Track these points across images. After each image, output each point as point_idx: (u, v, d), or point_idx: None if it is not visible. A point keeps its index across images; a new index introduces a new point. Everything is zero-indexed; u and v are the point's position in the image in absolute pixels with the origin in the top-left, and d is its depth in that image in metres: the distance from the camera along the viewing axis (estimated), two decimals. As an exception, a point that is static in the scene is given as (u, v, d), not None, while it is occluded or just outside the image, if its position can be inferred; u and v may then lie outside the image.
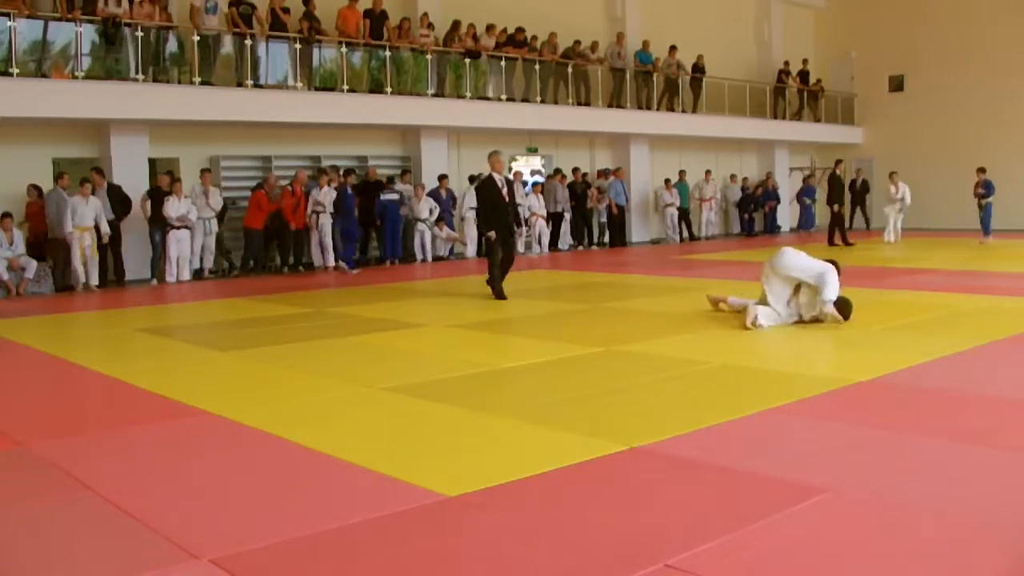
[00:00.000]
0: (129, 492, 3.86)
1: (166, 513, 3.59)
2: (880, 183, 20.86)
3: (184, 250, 13.74)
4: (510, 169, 18.28)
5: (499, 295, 10.28)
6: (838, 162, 18.85)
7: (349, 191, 15.09)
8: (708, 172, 21.88)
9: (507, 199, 10.44)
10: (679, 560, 3.00)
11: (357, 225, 15.30)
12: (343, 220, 14.84)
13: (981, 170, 18.32)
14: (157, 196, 13.55)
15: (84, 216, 12.48)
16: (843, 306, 7.72)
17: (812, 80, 24.64)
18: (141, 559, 3.15)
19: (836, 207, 17.94)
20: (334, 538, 3.29)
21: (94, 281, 12.70)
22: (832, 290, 7.65)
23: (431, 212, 16.31)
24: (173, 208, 13.37)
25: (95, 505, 3.72)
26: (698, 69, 21.50)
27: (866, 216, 21.80)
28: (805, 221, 23.36)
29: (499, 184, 10.43)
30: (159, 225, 13.48)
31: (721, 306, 8.76)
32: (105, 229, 12.72)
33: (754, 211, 22.93)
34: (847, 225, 22.85)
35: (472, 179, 17.35)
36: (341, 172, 15.35)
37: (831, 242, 17.74)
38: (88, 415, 5.45)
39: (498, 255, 10.41)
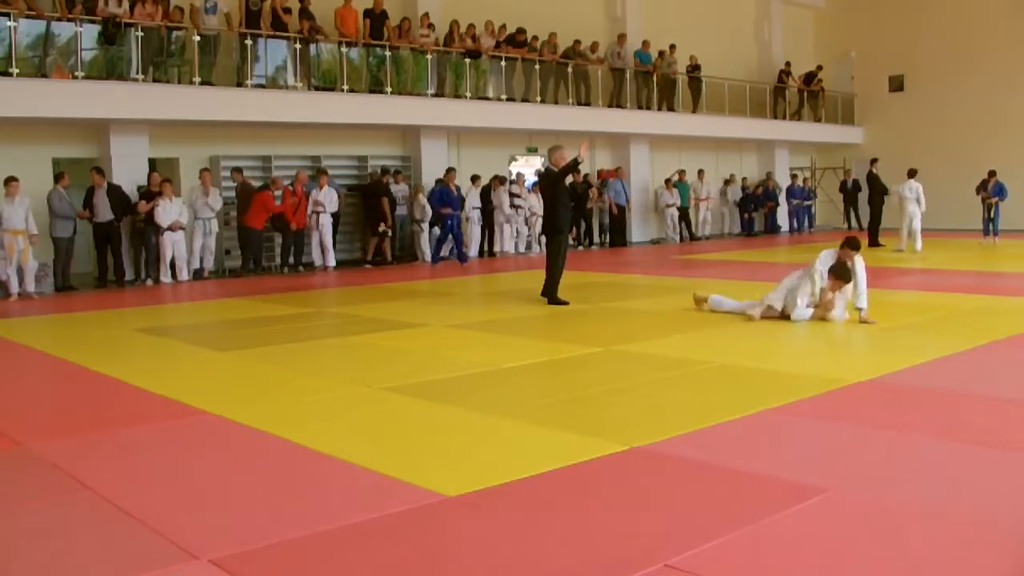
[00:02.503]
0: (129, 492, 3.86)
1: (166, 513, 3.59)
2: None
3: (181, 251, 13.73)
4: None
5: (559, 301, 9.64)
6: (874, 160, 18.22)
7: (449, 188, 15.76)
8: (701, 172, 21.85)
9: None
10: (679, 560, 3.00)
11: (456, 222, 15.95)
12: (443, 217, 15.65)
13: (992, 173, 18.26)
14: (151, 197, 13.52)
15: (12, 219, 11.75)
16: (841, 271, 7.94)
17: (813, 80, 24.64)
18: (141, 559, 3.15)
19: (876, 205, 17.40)
20: (334, 538, 3.29)
21: (30, 288, 12.02)
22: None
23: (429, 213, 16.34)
24: (164, 213, 13.33)
25: (95, 505, 3.71)
26: (693, 69, 21.47)
27: (859, 216, 21.77)
28: (797, 223, 23.34)
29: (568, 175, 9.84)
30: (155, 226, 13.45)
31: (703, 306, 8.80)
32: (32, 231, 11.91)
33: (754, 211, 22.92)
34: (848, 225, 22.95)
35: (475, 179, 17.37)
36: (445, 172, 16.22)
37: (872, 243, 17.17)
38: (88, 415, 5.45)
39: (565, 256, 9.79)
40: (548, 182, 10.04)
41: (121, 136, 13.83)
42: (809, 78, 24.44)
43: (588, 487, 3.84)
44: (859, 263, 8.08)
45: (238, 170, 14.64)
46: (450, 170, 16.29)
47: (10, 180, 11.84)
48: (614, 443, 4.36)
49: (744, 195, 22.75)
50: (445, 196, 15.76)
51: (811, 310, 8.07)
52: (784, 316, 8.16)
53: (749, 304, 8.48)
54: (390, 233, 15.98)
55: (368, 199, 15.91)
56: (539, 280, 10.16)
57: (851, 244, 8.13)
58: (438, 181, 16.17)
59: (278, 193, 14.72)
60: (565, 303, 9.63)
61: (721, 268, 13.80)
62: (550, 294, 9.79)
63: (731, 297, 8.87)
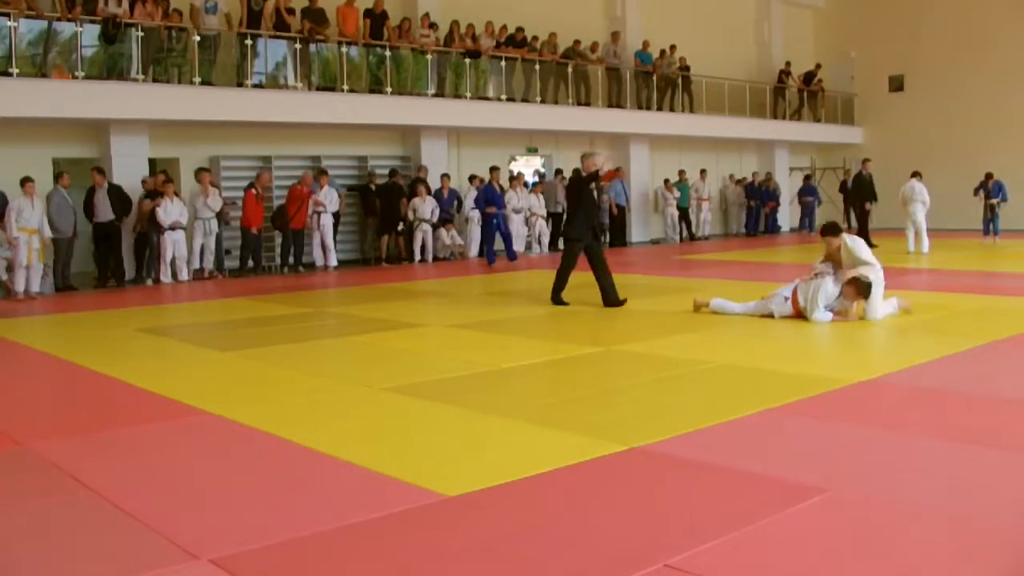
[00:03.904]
0: (129, 492, 3.86)
1: (166, 513, 3.59)
2: (881, 183, 20.75)
3: (181, 250, 13.73)
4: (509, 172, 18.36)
5: (559, 301, 9.71)
6: (866, 161, 18.19)
7: (494, 187, 15.97)
8: (703, 171, 21.87)
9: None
10: (679, 560, 3.00)
11: (504, 221, 16.15)
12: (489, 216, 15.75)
13: (988, 175, 18.28)
14: (154, 197, 13.52)
15: (29, 219, 11.76)
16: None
17: (813, 80, 24.64)
18: (141, 559, 3.15)
19: (867, 206, 17.35)
20: (334, 538, 3.29)
21: (35, 288, 11.93)
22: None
23: (432, 213, 16.34)
24: (165, 212, 13.34)
25: (95, 505, 3.71)
26: (684, 70, 21.46)
27: (859, 216, 21.75)
28: (807, 221, 23.37)
29: (591, 185, 9.83)
30: (156, 226, 13.45)
31: (703, 310, 8.78)
32: (48, 234, 11.99)
33: (760, 204, 22.83)
34: (848, 225, 22.95)
35: (473, 179, 17.38)
36: (489, 170, 16.35)
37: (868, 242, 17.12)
38: (88, 415, 5.45)
39: (575, 263, 9.79)
40: (573, 188, 10.03)
41: (121, 136, 13.83)
42: (809, 78, 24.44)
43: (588, 487, 3.84)
44: (849, 241, 8.11)
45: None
46: (494, 168, 16.33)
47: (27, 180, 11.84)
48: (614, 443, 4.36)
49: (748, 191, 22.73)
50: (490, 195, 15.81)
51: (830, 315, 7.94)
52: (799, 315, 8.07)
53: (758, 305, 8.43)
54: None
55: (391, 197, 15.92)
56: (537, 280, 10.17)
57: (827, 230, 8.26)
58: (480, 180, 16.39)
59: (281, 193, 14.75)
60: (565, 303, 9.63)
61: (721, 268, 13.80)
62: (554, 294, 9.82)
63: (733, 300, 8.83)
